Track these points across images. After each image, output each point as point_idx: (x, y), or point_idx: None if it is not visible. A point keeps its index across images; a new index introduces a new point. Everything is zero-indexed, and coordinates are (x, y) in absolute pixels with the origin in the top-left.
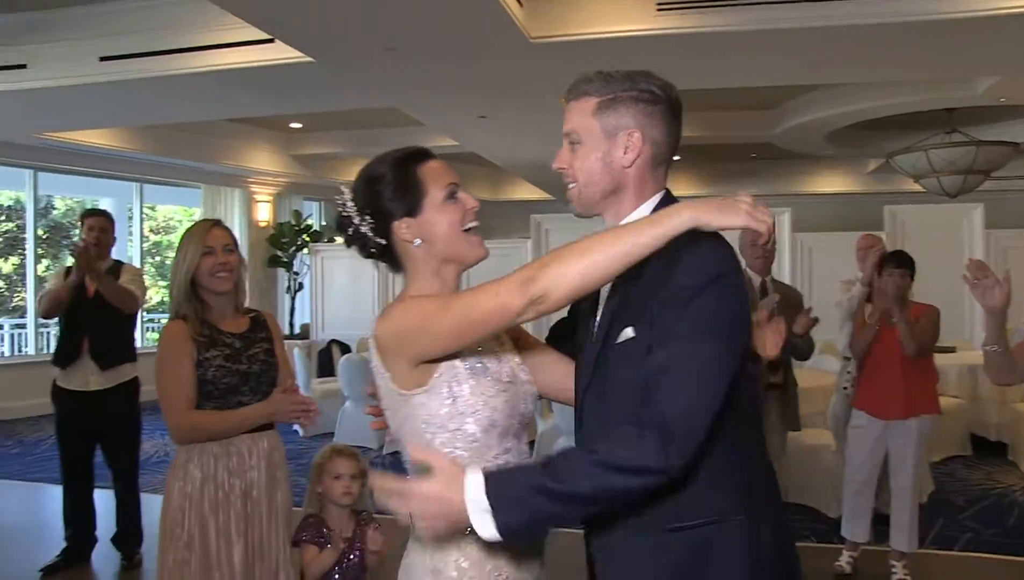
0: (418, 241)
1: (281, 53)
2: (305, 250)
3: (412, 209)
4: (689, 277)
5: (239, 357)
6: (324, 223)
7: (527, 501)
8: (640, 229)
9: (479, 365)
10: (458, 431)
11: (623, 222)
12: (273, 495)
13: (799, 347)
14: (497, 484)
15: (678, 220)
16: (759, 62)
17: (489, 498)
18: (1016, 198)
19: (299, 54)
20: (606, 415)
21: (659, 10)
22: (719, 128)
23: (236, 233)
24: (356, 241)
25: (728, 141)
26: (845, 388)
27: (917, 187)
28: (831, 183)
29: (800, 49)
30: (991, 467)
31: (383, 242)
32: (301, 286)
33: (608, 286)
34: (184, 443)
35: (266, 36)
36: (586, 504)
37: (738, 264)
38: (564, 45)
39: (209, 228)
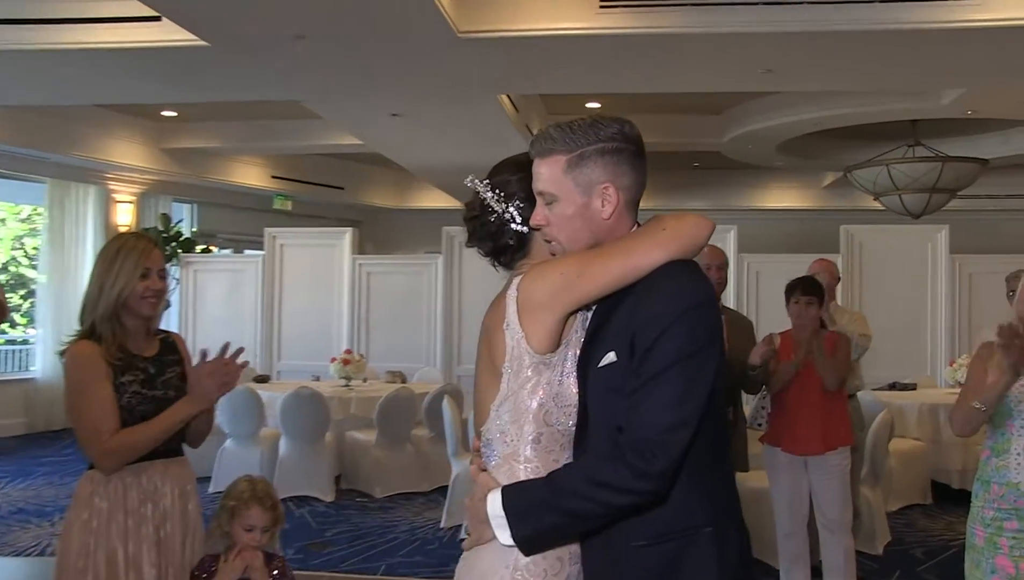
0: None
1: (169, 34)
2: (174, 261)
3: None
4: (667, 306)
5: (154, 383)
6: (196, 229)
7: (534, 515)
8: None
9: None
10: (567, 409)
11: None
12: (187, 528)
13: (751, 380)
14: (511, 497)
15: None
16: (710, 67)
17: (505, 511)
18: (985, 220)
19: (191, 37)
20: (597, 434)
21: (602, 7)
22: (656, 133)
23: (89, 238)
24: (493, 231)
25: (667, 149)
26: (760, 424)
27: (877, 205)
28: (782, 198)
29: (755, 55)
30: (953, 517)
31: (524, 230)
32: (169, 304)
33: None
34: (115, 471)
35: (152, 13)
36: (583, 519)
37: (712, 292)
38: (495, 42)
39: (150, 249)
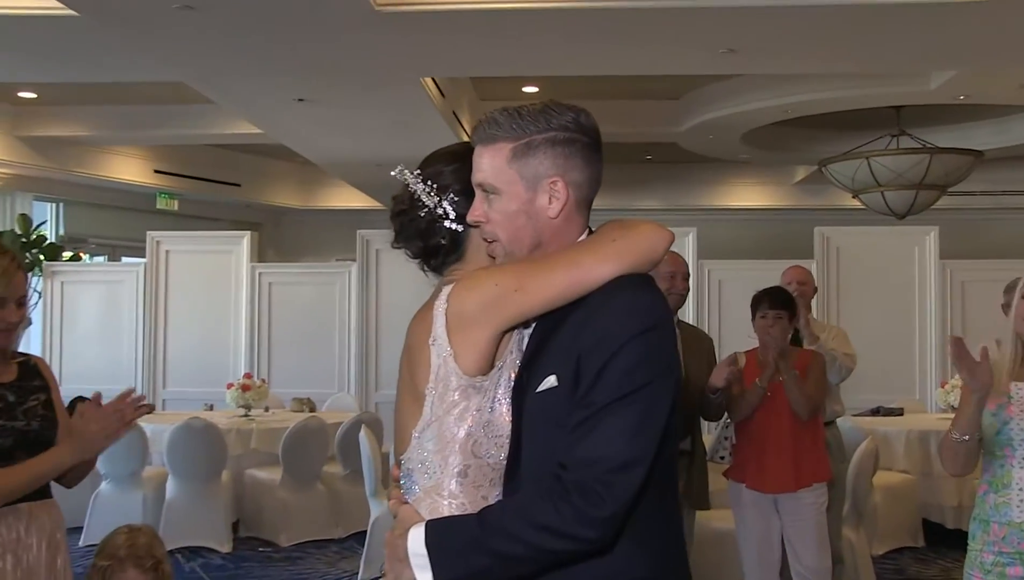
0: None
1: (30, 0)
2: (36, 271)
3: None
4: (618, 325)
5: (13, 412)
6: (63, 232)
7: (461, 555)
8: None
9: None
10: (498, 440)
11: None
12: None
13: (712, 406)
14: (436, 535)
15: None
16: (664, 46)
17: (428, 550)
18: (979, 220)
19: (55, 3)
20: (529, 470)
21: None
22: (604, 121)
23: None
24: (423, 229)
25: (616, 139)
26: (723, 457)
27: (856, 203)
28: (747, 196)
29: (714, 32)
30: (948, 561)
31: (459, 229)
32: (30, 322)
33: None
34: None
35: None
36: (515, 563)
37: (669, 311)
38: (419, 17)
39: (15, 272)
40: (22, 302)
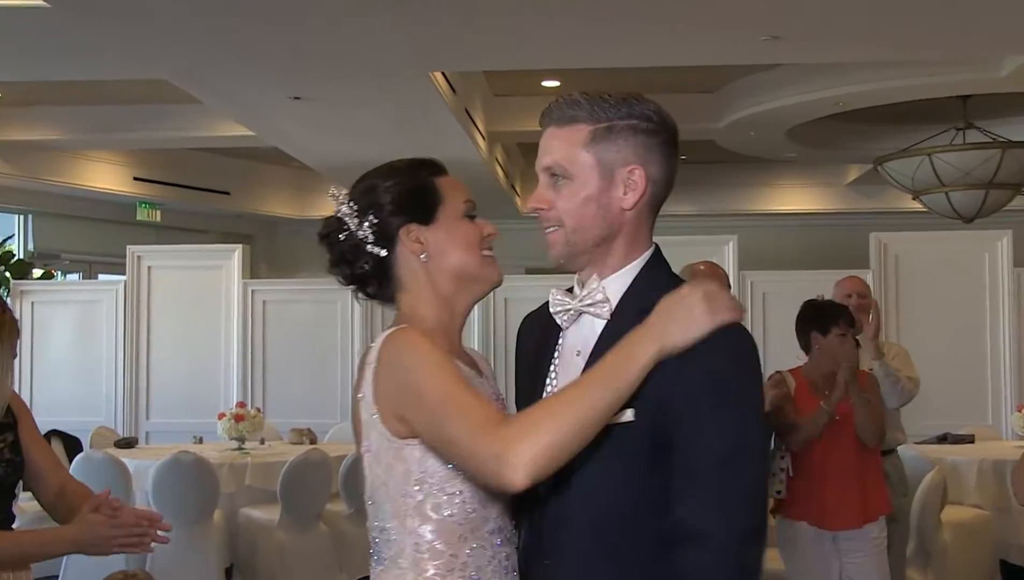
0: (424, 255)
1: None
2: (2, 290)
3: (426, 216)
4: (719, 360)
5: None
6: (33, 248)
7: None
8: (612, 379)
9: None
10: (456, 496)
11: (606, 280)
12: None
13: None
14: None
15: (645, 359)
16: (701, 34)
17: None
18: None
19: None
20: (583, 519)
21: None
22: None
23: None
24: (346, 254)
25: None
26: (779, 492)
27: (916, 206)
28: (794, 199)
29: (756, 17)
30: None
31: (382, 253)
32: None
33: (583, 347)
34: None
35: None
36: None
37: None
38: (426, 3)
39: None
40: None
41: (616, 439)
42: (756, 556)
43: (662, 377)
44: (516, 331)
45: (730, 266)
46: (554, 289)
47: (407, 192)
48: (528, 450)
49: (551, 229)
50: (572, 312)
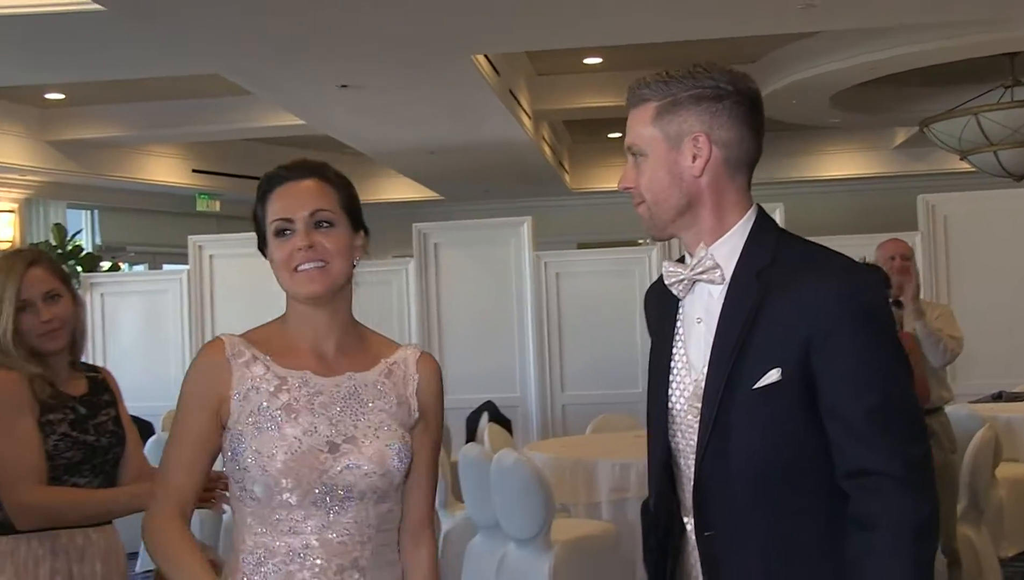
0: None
1: None
2: (75, 283)
3: (261, 242)
4: (851, 299)
5: (85, 426)
6: (100, 242)
7: None
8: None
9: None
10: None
11: (713, 246)
12: None
13: None
14: None
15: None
16: (736, 5)
17: None
18: None
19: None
20: (747, 474)
21: None
22: None
23: None
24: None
25: None
26: None
27: (965, 166)
28: (841, 164)
29: None
30: None
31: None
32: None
33: (704, 315)
34: (30, 528)
35: None
36: None
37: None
38: None
39: (23, 270)
40: (53, 295)
41: (766, 399)
42: (931, 480)
43: (796, 322)
44: (569, 305)
45: None
46: (666, 261)
47: (254, 215)
48: None
49: (638, 204)
50: (686, 281)
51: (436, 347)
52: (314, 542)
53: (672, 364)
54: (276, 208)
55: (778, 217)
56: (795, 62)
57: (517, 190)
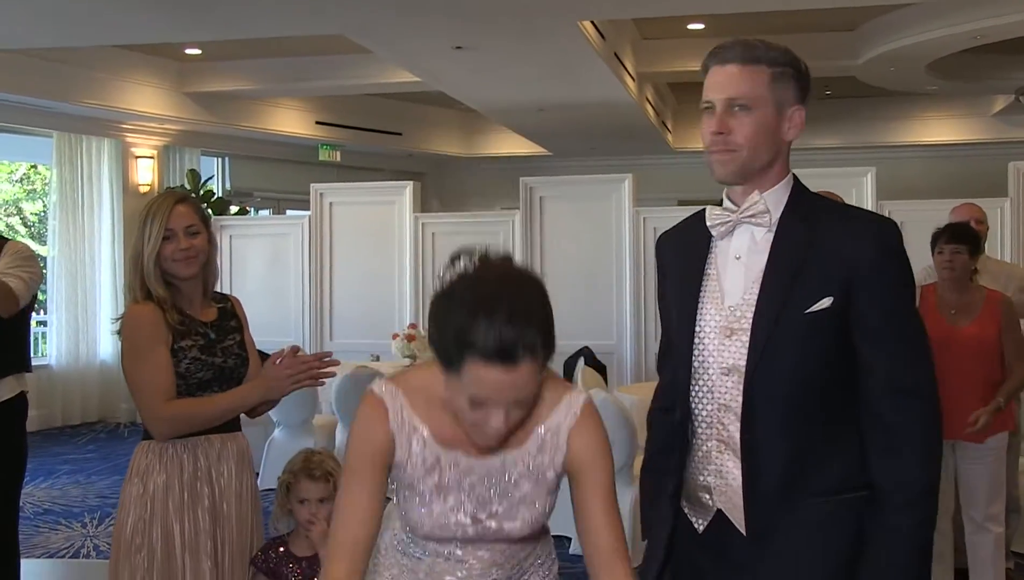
0: None
1: None
2: None
3: (447, 366)
4: (887, 242)
5: (213, 349)
6: (229, 188)
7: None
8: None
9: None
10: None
11: (765, 194)
12: (244, 508)
13: None
14: None
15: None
16: None
17: None
18: None
19: None
20: (796, 401)
21: None
22: None
23: (105, 201)
24: None
25: None
26: None
27: None
28: (936, 131)
29: None
30: None
31: None
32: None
33: (745, 253)
34: (168, 438)
35: None
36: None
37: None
38: None
39: (171, 206)
40: (193, 230)
41: (812, 323)
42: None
43: (840, 260)
44: None
45: (868, 196)
46: (708, 206)
47: None
48: None
49: (730, 151)
50: (731, 223)
51: None
52: (458, 553)
53: (701, 295)
54: (474, 391)
55: (868, 181)
56: (893, 31)
57: (620, 147)
